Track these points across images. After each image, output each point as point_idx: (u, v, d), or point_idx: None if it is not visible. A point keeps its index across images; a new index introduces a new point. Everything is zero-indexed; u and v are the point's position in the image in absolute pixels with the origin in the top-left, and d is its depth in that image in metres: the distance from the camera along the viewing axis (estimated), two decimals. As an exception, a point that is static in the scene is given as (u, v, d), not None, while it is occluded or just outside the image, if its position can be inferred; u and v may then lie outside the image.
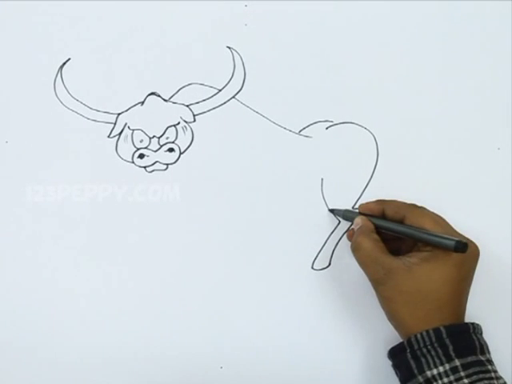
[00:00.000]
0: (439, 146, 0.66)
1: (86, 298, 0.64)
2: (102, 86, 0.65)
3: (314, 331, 0.64)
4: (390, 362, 0.59)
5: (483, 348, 0.56)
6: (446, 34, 0.66)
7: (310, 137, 0.65)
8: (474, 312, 0.61)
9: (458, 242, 0.54)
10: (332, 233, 0.65)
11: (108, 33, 0.65)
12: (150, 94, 0.65)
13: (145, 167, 0.64)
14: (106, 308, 0.64)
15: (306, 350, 0.64)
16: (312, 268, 0.65)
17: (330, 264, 0.65)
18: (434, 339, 0.55)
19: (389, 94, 0.66)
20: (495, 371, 0.56)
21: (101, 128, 0.64)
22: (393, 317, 0.58)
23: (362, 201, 0.65)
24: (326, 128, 0.66)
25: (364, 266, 0.59)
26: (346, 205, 0.65)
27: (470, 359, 0.55)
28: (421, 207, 0.61)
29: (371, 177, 0.65)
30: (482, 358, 0.56)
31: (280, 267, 0.64)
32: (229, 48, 0.65)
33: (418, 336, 0.56)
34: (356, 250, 0.59)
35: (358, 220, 0.61)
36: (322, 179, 0.65)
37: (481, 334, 0.58)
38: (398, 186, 0.65)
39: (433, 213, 0.61)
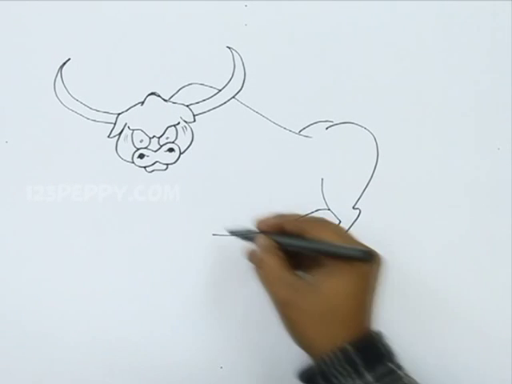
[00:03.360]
0: (439, 146, 0.66)
1: (86, 297, 0.64)
2: (101, 86, 0.65)
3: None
4: None
5: (390, 354, 0.55)
6: (446, 34, 0.66)
7: (310, 137, 0.65)
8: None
9: (364, 251, 0.53)
10: (332, 233, 0.64)
11: (108, 33, 0.65)
12: (149, 94, 0.65)
13: (145, 167, 0.64)
14: (105, 307, 0.64)
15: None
16: (312, 268, 0.65)
17: (330, 264, 0.64)
18: (341, 358, 0.54)
19: (389, 94, 0.66)
20: (406, 375, 0.55)
21: (101, 128, 0.65)
22: (300, 340, 0.56)
23: (362, 201, 0.65)
24: (326, 128, 0.66)
25: (269, 285, 0.55)
26: (347, 205, 0.65)
27: (380, 370, 0.54)
28: (320, 219, 0.59)
29: (371, 177, 0.65)
30: (392, 366, 0.54)
31: (280, 267, 0.64)
32: (229, 48, 0.65)
33: (326, 359, 0.54)
34: (260, 268, 0.56)
35: (261, 240, 0.57)
36: (322, 179, 0.65)
37: (384, 340, 0.57)
38: (398, 186, 0.65)
39: (333, 224, 0.60)
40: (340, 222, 0.65)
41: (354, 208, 0.65)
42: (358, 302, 0.55)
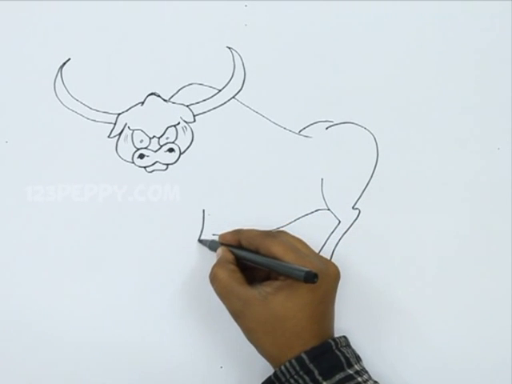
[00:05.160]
0: (439, 146, 0.66)
1: (86, 297, 0.64)
2: (101, 86, 0.65)
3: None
4: None
5: (349, 360, 0.55)
6: (445, 35, 0.66)
7: (310, 137, 0.65)
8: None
9: (306, 273, 0.52)
10: (332, 233, 0.65)
11: (108, 33, 0.65)
12: (150, 94, 0.65)
13: (145, 167, 0.64)
14: (105, 307, 0.64)
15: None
16: (312, 268, 0.65)
17: (330, 264, 0.65)
18: (298, 368, 0.54)
19: (389, 94, 0.66)
20: (366, 380, 0.55)
21: (101, 128, 0.65)
22: (257, 348, 0.58)
23: (362, 201, 0.65)
24: (326, 128, 0.66)
25: (221, 297, 0.58)
26: (346, 205, 0.65)
27: (337, 377, 0.54)
28: (274, 235, 0.59)
29: (371, 177, 0.65)
30: (350, 372, 0.54)
31: (280, 267, 0.64)
32: (229, 48, 0.65)
33: (283, 368, 0.55)
34: (213, 281, 0.59)
35: (219, 251, 0.61)
36: (322, 179, 0.65)
37: (345, 345, 0.57)
38: (398, 186, 0.65)
39: (289, 238, 0.60)
40: (340, 222, 0.65)
41: (353, 208, 0.65)
42: (308, 314, 0.56)
